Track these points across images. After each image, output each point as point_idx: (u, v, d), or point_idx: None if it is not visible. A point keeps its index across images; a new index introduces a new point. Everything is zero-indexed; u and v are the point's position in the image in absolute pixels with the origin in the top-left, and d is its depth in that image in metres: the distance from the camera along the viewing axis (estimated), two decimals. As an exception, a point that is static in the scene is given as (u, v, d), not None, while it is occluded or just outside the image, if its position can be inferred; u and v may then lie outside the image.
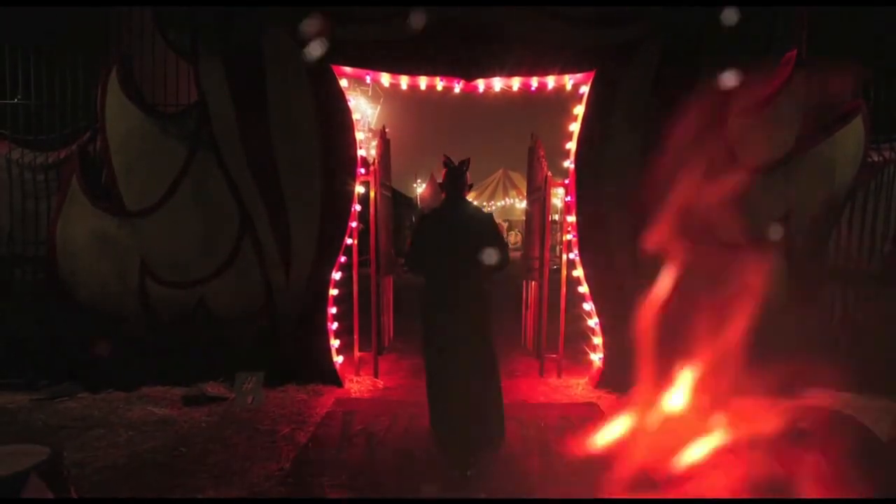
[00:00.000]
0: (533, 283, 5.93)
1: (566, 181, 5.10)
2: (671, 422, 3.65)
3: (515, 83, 4.89)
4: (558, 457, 3.51)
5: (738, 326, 3.67)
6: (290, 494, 2.98)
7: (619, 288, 4.83)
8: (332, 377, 4.87)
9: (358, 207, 4.91)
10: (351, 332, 5.19)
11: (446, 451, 3.42)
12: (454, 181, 3.58)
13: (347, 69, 4.73)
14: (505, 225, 28.34)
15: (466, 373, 3.34)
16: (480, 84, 4.86)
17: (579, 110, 4.81)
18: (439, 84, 4.89)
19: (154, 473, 3.19)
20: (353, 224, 4.92)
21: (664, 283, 4.09)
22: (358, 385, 4.98)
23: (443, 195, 3.66)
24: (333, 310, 4.97)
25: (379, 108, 20.84)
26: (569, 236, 5.21)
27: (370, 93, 18.98)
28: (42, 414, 4.11)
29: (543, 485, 3.16)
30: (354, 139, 4.73)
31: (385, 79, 4.93)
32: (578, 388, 5.00)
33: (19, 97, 5.02)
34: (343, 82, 4.71)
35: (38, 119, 5.03)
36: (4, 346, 4.80)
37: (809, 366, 4.91)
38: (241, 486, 3.05)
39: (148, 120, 4.64)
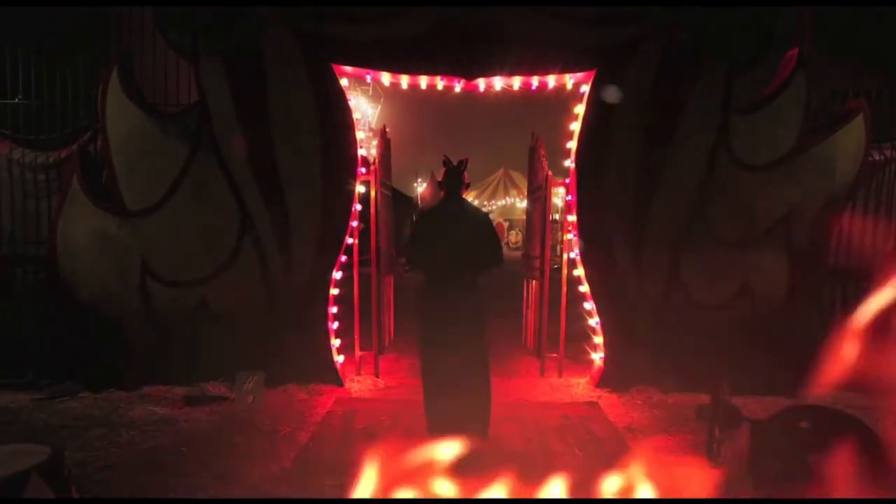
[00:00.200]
0: (534, 282, 5.93)
1: (567, 180, 5.10)
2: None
3: (516, 82, 4.89)
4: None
5: None
6: (291, 494, 2.98)
7: (619, 287, 4.83)
8: (332, 377, 4.87)
9: (358, 207, 4.91)
10: (352, 332, 5.19)
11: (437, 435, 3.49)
12: (452, 180, 3.67)
13: (348, 68, 4.73)
14: (506, 224, 28.35)
15: (457, 366, 3.42)
16: (481, 83, 4.86)
17: (580, 109, 4.81)
18: (440, 83, 4.89)
19: (155, 473, 3.19)
20: (354, 223, 4.92)
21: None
22: (359, 384, 4.99)
23: (442, 193, 3.76)
24: (334, 309, 4.97)
25: (379, 107, 20.85)
26: (570, 235, 5.21)
27: (370, 92, 19.00)
28: (43, 413, 4.12)
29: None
30: (355, 138, 4.73)
31: (385, 78, 4.93)
32: (579, 387, 5.00)
33: (20, 97, 5.02)
34: (343, 81, 4.71)
35: (39, 119, 5.03)
36: (6, 346, 4.80)
37: (810, 365, 4.92)
38: (243, 485, 3.05)
39: (148, 120, 4.64)
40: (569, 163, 5.00)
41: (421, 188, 26.51)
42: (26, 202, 4.92)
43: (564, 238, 5.45)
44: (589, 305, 5.03)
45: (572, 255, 5.14)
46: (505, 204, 29.57)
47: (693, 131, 4.63)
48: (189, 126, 4.66)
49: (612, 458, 3.40)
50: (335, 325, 5.00)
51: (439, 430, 3.49)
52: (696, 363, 4.55)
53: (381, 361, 5.35)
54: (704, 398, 3.37)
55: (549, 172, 5.34)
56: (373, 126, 18.89)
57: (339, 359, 4.99)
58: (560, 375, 5.26)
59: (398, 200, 12.63)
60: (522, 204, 25.54)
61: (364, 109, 18.98)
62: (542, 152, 5.58)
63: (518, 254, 10.70)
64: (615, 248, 4.80)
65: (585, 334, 5.26)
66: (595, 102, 4.69)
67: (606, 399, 4.67)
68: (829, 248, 4.99)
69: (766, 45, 4.66)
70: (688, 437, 3.78)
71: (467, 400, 3.45)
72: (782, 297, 4.84)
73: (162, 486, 3.03)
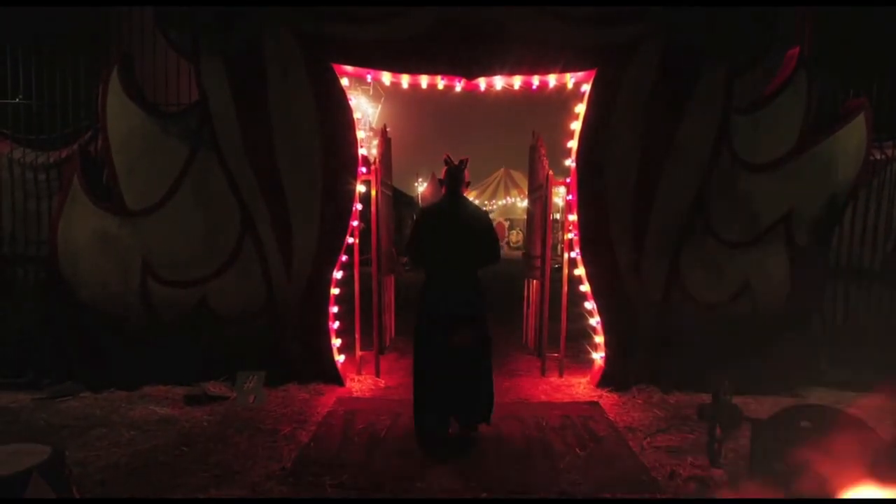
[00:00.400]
0: (534, 281, 5.93)
1: (568, 179, 5.10)
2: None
3: (517, 82, 4.88)
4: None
5: None
6: (292, 494, 2.98)
7: (620, 286, 4.83)
8: (333, 376, 4.87)
9: (359, 206, 4.91)
10: (352, 332, 5.19)
11: (425, 413, 3.74)
12: (453, 179, 3.83)
13: (348, 68, 4.72)
14: (506, 224, 28.37)
15: (456, 350, 3.61)
16: (482, 83, 4.85)
17: (581, 109, 4.80)
18: (440, 83, 4.89)
19: (156, 473, 3.19)
20: (355, 223, 4.92)
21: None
22: (359, 384, 4.99)
23: (443, 191, 3.90)
24: (335, 309, 4.97)
25: (380, 106, 20.87)
26: (570, 235, 5.20)
27: (371, 92, 19.02)
28: (44, 413, 4.12)
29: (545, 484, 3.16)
30: (355, 138, 4.73)
31: (386, 78, 4.93)
32: (580, 386, 5.00)
33: (20, 97, 5.02)
34: (344, 81, 4.71)
35: (40, 119, 5.03)
36: (6, 346, 4.81)
37: (810, 364, 4.92)
38: (243, 485, 3.05)
39: (149, 119, 4.64)
40: (569, 162, 4.99)
41: (421, 188, 26.51)
42: (27, 202, 4.93)
43: (565, 237, 5.45)
44: (590, 305, 5.02)
45: (573, 254, 5.14)
46: (505, 203, 29.60)
47: (693, 131, 4.63)
48: (189, 126, 4.66)
49: (613, 458, 3.42)
50: (336, 324, 5.00)
51: (428, 394, 3.74)
52: (697, 363, 4.56)
53: (381, 361, 5.35)
54: (706, 398, 3.37)
55: (550, 172, 5.33)
56: (373, 125, 18.91)
57: (340, 358, 4.99)
58: (561, 375, 5.26)
59: (399, 200, 12.68)
60: (523, 203, 25.56)
61: (365, 109, 19.00)
62: (543, 151, 5.58)
63: (519, 253, 10.70)
64: (616, 248, 4.80)
65: (586, 334, 5.26)
66: (596, 102, 4.69)
67: (607, 398, 4.67)
68: (831, 248, 4.99)
69: (767, 45, 4.66)
70: (689, 437, 3.77)
71: (467, 374, 3.67)
72: (783, 296, 4.83)
73: (162, 486, 3.03)
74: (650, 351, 4.86)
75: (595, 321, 5.02)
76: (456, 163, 3.85)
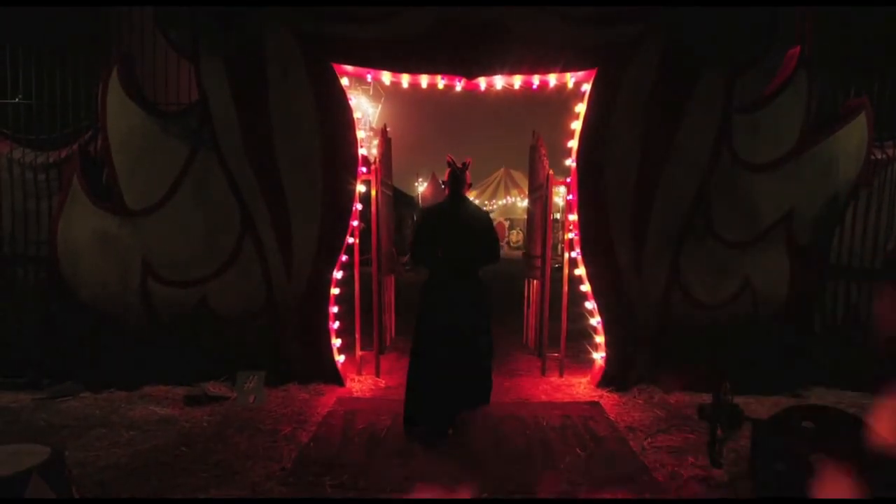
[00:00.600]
0: (535, 281, 5.93)
1: (568, 179, 5.09)
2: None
3: (517, 81, 4.88)
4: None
5: None
6: (292, 494, 2.98)
7: (621, 286, 4.83)
8: (333, 376, 4.87)
9: (359, 206, 4.90)
10: (352, 332, 5.19)
11: (423, 410, 3.76)
12: (455, 180, 3.93)
13: (348, 68, 4.72)
14: (507, 224, 28.37)
15: (457, 339, 3.68)
16: (482, 82, 4.85)
17: (581, 108, 4.80)
18: (440, 82, 4.88)
19: (156, 473, 3.19)
20: (355, 223, 4.91)
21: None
22: (359, 384, 4.98)
23: (446, 192, 4.00)
24: (335, 309, 4.96)
25: (380, 106, 20.88)
26: (571, 234, 5.20)
27: (371, 91, 19.02)
28: (44, 413, 4.11)
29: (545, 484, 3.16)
30: (355, 138, 4.73)
31: (386, 77, 4.92)
32: (580, 386, 4.99)
33: (20, 97, 5.02)
34: (344, 81, 4.70)
35: (39, 118, 5.03)
36: (6, 346, 4.81)
37: (811, 364, 4.91)
38: (243, 485, 3.05)
39: (149, 119, 4.64)
40: (570, 162, 4.99)
41: (421, 187, 26.53)
42: (27, 202, 4.92)
43: (565, 237, 5.44)
44: (590, 305, 5.02)
45: (573, 254, 5.13)
46: (506, 203, 29.59)
47: (694, 130, 4.62)
48: (189, 125, 4.66)
49: (614, 458, 3.42)
50: (336, 324, 4.99)
51: (424, 389, 3.76)
52: (698, 362, 4.56)
53: (382, 361, 5.35)
54: (706, 398, 3.37)
55: (550, 171, 5.33)
56: (373, 125, 18.91)
57: (340, 358, 4.99)
58: (561, 375, 5.26)
59: (399, 200, 12.66)
60: (523, 203, 25.55)
61: (365, 109, 19.01)
62: (543, 151, 5.58)
63: (519, 253, 10.70)
64: (616, 247, 4.79)
65: (587, 334, 5.26)
66: (596, 102, 4.68)
67: (608, 398, 4.66)
68: (831, 248, 4.98)
69: (767, 45, 4.65)
70: (689, 437, 3.77)
71: (466, 362, 3.73)
72: (784, 296, 4.83)
73: (162, 486, 3.03)
74: (651, 351, 4.86)
75: (595, 321, 5.02)
76: (459, 165, 3.94)
